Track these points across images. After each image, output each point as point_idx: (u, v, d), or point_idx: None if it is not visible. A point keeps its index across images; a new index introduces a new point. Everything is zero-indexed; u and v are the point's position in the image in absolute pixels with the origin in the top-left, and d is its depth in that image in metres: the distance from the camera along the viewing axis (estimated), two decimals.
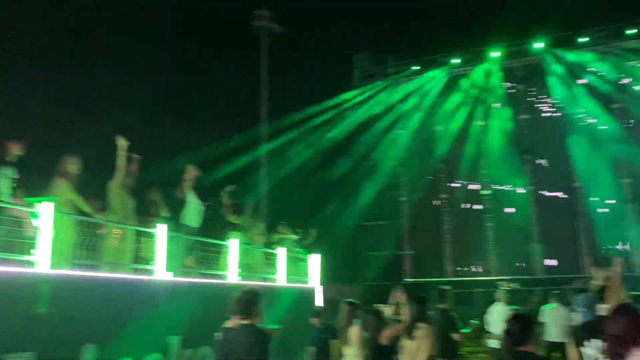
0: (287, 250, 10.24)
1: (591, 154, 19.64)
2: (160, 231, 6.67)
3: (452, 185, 22.43)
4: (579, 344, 5.25)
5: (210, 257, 8.15)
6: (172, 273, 6.80)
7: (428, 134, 22.70)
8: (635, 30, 20.03)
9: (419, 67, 22.90)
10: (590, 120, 20.36)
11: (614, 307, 3.37)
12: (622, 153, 19.67)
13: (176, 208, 7.80)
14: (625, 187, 19.74)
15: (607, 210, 19.71)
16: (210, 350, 6.51)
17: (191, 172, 7.91)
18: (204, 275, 7.97)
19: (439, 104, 22.63)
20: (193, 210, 7.95)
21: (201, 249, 8.03)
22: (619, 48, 20.28)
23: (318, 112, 21.56)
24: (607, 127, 20.02)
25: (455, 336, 6.77)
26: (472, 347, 10.66)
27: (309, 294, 10.83)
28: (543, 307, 9.56)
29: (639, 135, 19.91)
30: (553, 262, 20.32)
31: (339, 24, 23.49)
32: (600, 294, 6.18)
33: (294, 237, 10.98)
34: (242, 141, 19.13)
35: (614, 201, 19.69)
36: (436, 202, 22.52)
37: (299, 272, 11.14)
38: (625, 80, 20.25)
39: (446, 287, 7.73)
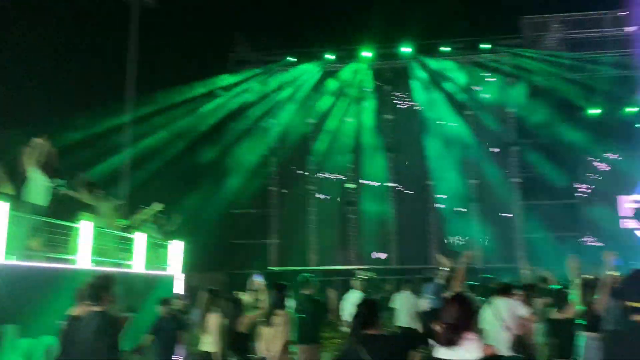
0: (148, 235, 9.79)
1: (443, 156, 21.48)
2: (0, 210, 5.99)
3: (320, 177, 23.07)
4: (425, 327, 5.69)
5: (58, 240, 7.49)
6: (13, 256, 6.16)
7: (299, 126, 23.05)
8: (488, 46, 22.25)
9: (294, 59, 23.14)
10: (445, 124, 22.16)
11: (449, 297, 3.65)
12: (471, 156, 21.91)
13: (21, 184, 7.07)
14: (471, 187, 21.91)
15: (455, 207, 21.64)
16: (54, 340, 6.01)
17: (37, 145, 7.17)
18: (51, 260, 7.31)
19: (311, 98, 23.09)
20: (38, 187, 7.23)
21: (49, 231, 7.35)
22: (473, 60, 22.38)
23: (189, 94, 20.83)
24: (458, 131, 21.99)
25: (331, 315, 6.95)
26: (328, 332, 11.07)
27: (168, 282, 10.46)
28: (394, 294, 10.21)
29: (485, 141, 22.22)
30: (382, 255, 21.99)
31: (217, 5, 22.91)
32: (447, 283, 6.77)
33: (155, 220, 10.51)
34: (105, 119, 17.83)
35: (460, 200, 21.72)
36: (303, 193, 23.02)
37: (159, 259, 10.71)
38: (477, 89, 22.38)
39: (309, 275, 7.91)
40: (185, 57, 21.32)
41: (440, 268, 7.52)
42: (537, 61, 21.85)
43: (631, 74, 20.81)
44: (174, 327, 7.05)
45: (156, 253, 10.45)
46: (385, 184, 22.52)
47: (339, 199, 22.99)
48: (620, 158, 21.99)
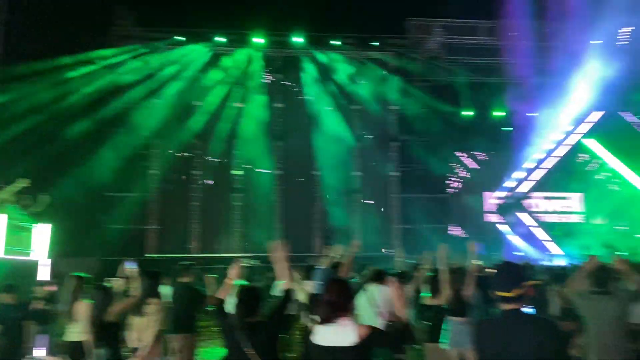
0: (8, 217, 8.88)
1: (329, 147, 21.97)
2: None
3: (205, 162, 22.49)
4: (311, 313, 5.77)
5: None
6: None
7: (185, 107, 22.19)
8: (377, 43, 23.08)
9: (183, 38, 22.22)
10: (332, 117, 22.65)
11: (330, 280, 3.77)
12: (355, 149, 22.69)
13: None
14: (354, 179, 22.69)
15: (339, 198, 22.27)
16: None
17: None
18: None
19: (199, 80, 22.35)
20: None
21: None
22: (362, 56, 23.09)
23: (66, 65, 19.13)
24: (345, 124, 22.61)
25: (211, 300, 6.75)
26: (206, 321, 10.86)
27: (31, 268, 9.60)
28: (276, 282, 10.25)
29: (369, 135, 23.14)
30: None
31: None
32: (335, 269, 6.91)
33: (18, 200, 9.58)
34: None
35: (343, 190, 22.41)
36: (187, 178, 22.32)
37: (22, 243, 9.79)
38: (363, 85, 23.12)
39: (190, 263, 7.68)
40: (66, 24, 19.48)
41: (328, 255, 7.65)
42: (420, 62, 23.09)
43: (501, 80, 22.74)
44: (19, 316, 6.45)
45: (18, 236, 9.52)
46: (271, 171, 22.54)
47: (224, 185, 22.58)
48: (487, 158, 24.05)
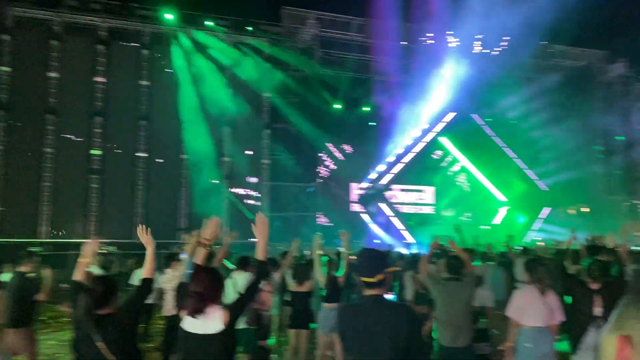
0: None
1: (199, 131, 21.30)
2: None
3: (59, 139, 20.56)
4: (179, 302, 5.52)
5: None
6: None
7: (37, 79, 20.04)
8: (251, 28, 22.79)
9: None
10: (202, 100, 21.90)
11: (198, 268, 3.60)
12: (226, 134, 22.23)
13: None
14: (223, 164, 22.27)
15: (207, 183, 21.74)
16: None
17: None
18: None
19: (55, 49, 20.31)
20: None
21: None
22: (236, 40, 22.63)
23: None
24: (215, 108, 22.03)
25: (40, 296, 6.12)
26: (55, 311, 10.07)
27: None
28: (136, 270, 9.72)
29: (241, 121, 22.76)
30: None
31: None
32: (210, 260, 6.66)
33: None
34: None
35: (212, 176, 21.91)
36: (38, 156, 20.21)
37: None
38: (236, 69, 22.62)
39: (36, 249, 6.94)
40: None
41: (191, 243, 7.35)
42: (293, 52, 23.26)
43: (369, 77, 23.75)
44: None
45: None
46: (135, 153, 21.29)
47: (80, 165, 20.81)
48: (353, 150, 25.06)
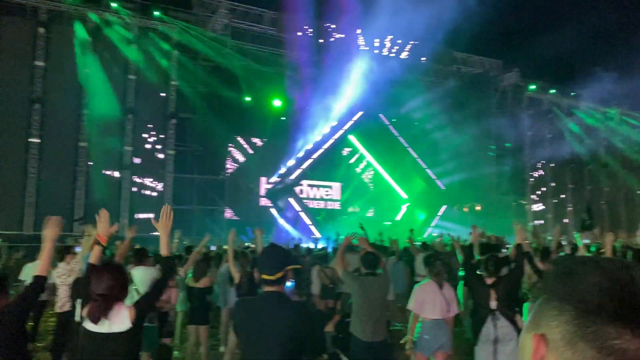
0: None
1: (100, 117, 20.09)
2: None
3: None
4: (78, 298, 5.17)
5: None
6: None
7: None
8: (158, 13, 21.82)
9: None
10: (103, 85, 20.71)
11: (96, 268, 3.28)
12: (128, 121, 21.21)
13: None
14: (125, 153, 21.23)
15: (105, 172, 20.63)
16: None
17: None
18: None
19: None
20: None
21: None
22: (143, 24, 21.56)
23: None
24: (119, 94, 20.96)
25: None
26: None
27: None
28: (27, 265, 9.06)
29: (145, 110, 21.83)
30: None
31: None
32: (112, 257, 6.30)
33: None
34: None
35: (112, 165, 20.84)
36: None
37: None
38: (141, 54, 21.54)
39: None
40: None
41: (89, 235, 6.94)
42: (204, 41, 22.62)
43: (281, 71, 23.65)
44: None
45: None
46: (27, 139, 19.68)
47: None
48: (263, 144, 24.94)
